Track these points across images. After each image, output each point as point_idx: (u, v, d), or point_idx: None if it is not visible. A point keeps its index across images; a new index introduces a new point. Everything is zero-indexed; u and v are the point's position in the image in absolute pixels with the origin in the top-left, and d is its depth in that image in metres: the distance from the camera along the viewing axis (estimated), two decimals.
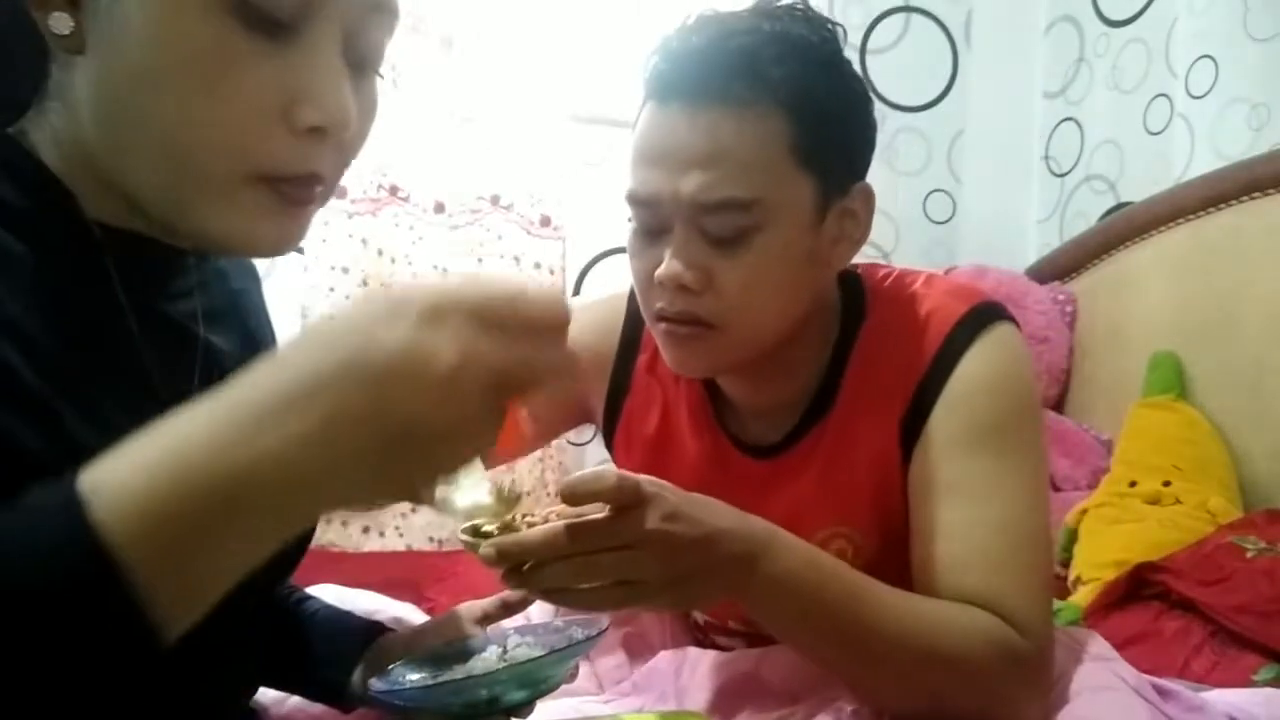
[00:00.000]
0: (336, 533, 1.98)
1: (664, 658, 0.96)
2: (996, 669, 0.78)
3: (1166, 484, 1.67)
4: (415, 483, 0.48)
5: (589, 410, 1.07)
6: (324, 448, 0.43)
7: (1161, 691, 0.82)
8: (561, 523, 0.68)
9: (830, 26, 0.89)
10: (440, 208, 2.11)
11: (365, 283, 2.01)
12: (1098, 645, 0.88)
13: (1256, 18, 1.81)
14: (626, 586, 0.70)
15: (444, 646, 0.81)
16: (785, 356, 0.91)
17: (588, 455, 2.19)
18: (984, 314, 0.90)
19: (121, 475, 0.43)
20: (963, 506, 0.84)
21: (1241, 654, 1.21)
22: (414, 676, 0.77)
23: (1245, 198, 1.77)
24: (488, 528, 0.68)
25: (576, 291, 2.24)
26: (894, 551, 0.89)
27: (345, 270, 2.00)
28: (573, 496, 0.68)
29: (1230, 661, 1.21)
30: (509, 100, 2.10)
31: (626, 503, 0.68)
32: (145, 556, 0.42)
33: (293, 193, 0.58)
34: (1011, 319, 0.92)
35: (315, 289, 1.99)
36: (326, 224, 1.99)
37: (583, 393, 1.05)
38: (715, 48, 0.84)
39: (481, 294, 0.46)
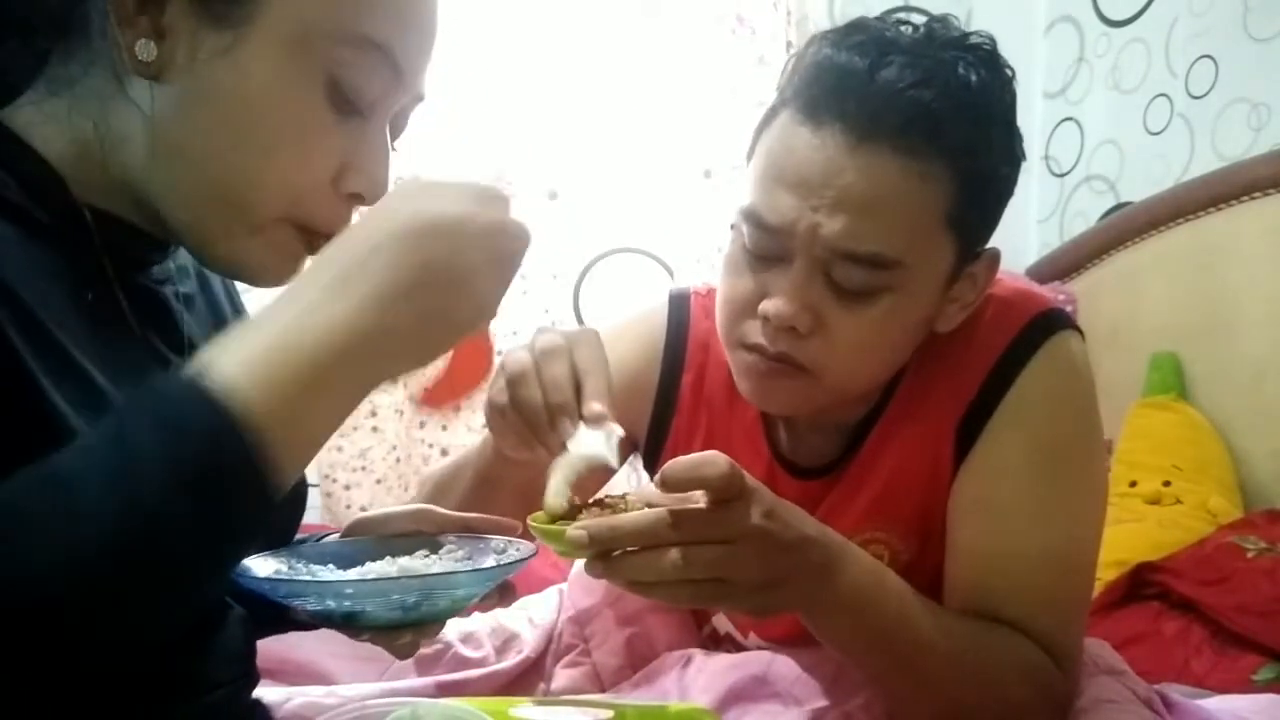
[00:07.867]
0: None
1: (668, 658, 0.96)
2: (1031, 701, 0.79)
3: (1166, 484, 1.67)
4: (463, 322, 0.53)
5: (637, 440, 1.01)
6: (391, 304, 0.50)
7: (1169, 704, 0.83)
8: (663, 509, 0.61)
9: (1009, 71, 0.82)
10: None
11: None
12: (1109, 657, 0.89)
13: (1256, 18, 1.82)
14: (718, 584, 0.63)
15: (376, 542, 0.71)
16: None
17: None
18: (1049, 322, 0.86)
19: (230, 349, 0.48)
20: (1012, 533, 0.82)
21: (1241, 654, 1.21)
22: (271, 565, 0.65)
23: (1245, 198, 1.77)
24: (561, 517, 0.63)
25: None
26: (931, 556, 0.88)
27: None
28: (674, 482, 0.61)
29: (1230, 661, 1.21)
30: None
31: (733, 494, 0.62)
32: (263, 410, 0.46)
33: (316, 243, 0.63)
34: (1076, 327, 0.87)
35: None
36: None
37: (630, 427, 0.96)
38: (892, 87, 0.74)
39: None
